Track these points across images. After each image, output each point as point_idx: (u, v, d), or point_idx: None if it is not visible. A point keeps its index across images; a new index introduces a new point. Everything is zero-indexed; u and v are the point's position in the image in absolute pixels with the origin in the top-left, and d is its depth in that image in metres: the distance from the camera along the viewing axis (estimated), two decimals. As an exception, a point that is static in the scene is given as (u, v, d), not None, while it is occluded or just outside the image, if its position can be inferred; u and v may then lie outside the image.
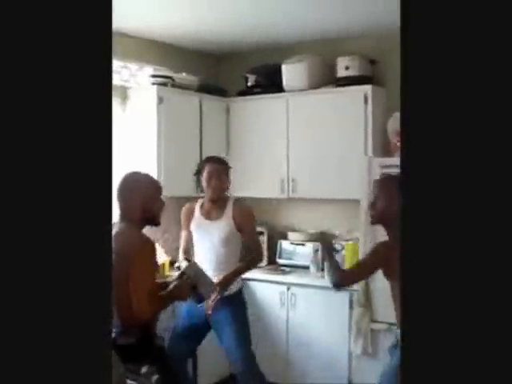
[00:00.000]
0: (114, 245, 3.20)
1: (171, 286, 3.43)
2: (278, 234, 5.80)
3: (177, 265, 3.74)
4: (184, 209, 4.48)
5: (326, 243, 3.68)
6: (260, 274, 5.36)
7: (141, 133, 5.23)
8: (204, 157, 4.66)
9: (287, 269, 5.47)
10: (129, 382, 3.06)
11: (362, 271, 3.46)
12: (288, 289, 5.16)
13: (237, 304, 4.32)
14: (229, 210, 4.28)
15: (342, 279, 3.41)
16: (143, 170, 3.51)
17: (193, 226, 4.36)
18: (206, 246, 4.27)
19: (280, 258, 5.67)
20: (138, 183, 3.36)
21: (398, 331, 3.27)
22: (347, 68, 5.19)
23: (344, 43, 5.41)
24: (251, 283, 5.33)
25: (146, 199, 3.33)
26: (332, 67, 5.33)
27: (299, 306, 5.06)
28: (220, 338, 4.27)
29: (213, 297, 4.00)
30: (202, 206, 4.36)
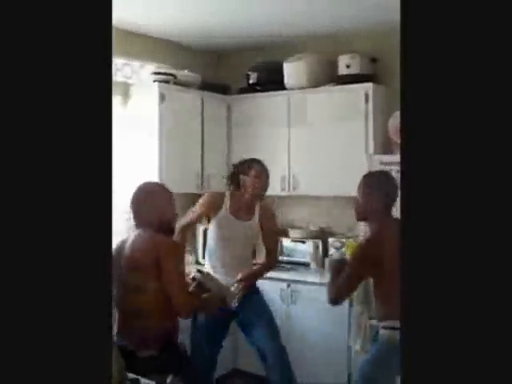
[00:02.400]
0: (134, 251, 3.22)
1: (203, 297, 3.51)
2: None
3: (191, 276, 3.75)
4: (211, 196, 4.38)
5: (336, 261, 3.74)
6: (260, 270, 5.39)
7: (143, 130, 5.25)
8: (204, 154, 4.66)
9: (288, 266, 5.49)
10: None
11: (349, 285, 3.51)
12: (288, 286, 5.18)
13: (261, 299, 4.41)
14: (257, 212, 4.31)
15: (336, 296, 3.48)
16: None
17: (217, 223, 4.29)
18: (230, 245, 4.26)
19: (281, 255, 5.68)
20: (155, 195, 3.38)
21: (379, 324, 3.47)
22: (348, 66, 5.20)
23: (345, 41, 5.43)
24: (252, 280, 5.37)
25: (163, 211, 3.34)
26: (333, 65, 5.35)
27: (299, 302, 5.09)
28: (251, 335, 4.31)
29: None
30: (231, 205, 4.28)
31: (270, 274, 5.27)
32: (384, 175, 3.66)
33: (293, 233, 5.71)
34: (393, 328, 3.32)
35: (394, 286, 3.26)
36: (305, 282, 5.09)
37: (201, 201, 4.34)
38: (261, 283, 5.27)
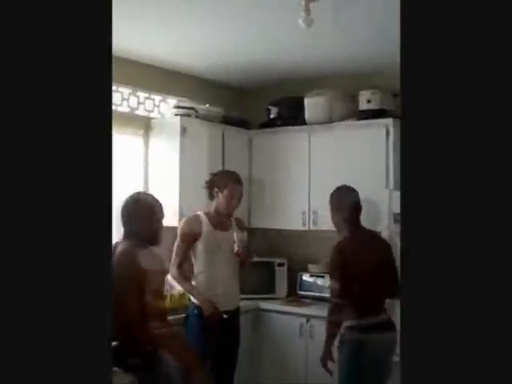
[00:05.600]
0: (122, 261, 3.30)
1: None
2: (298, 266, 5.79)
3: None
4: (187, 224, 4.44)
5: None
6: (279, 305, 5.39)
7: (164, 163, 5.29)
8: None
9: (307, 300, 5.46)
10: None
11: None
12: (307, 321, 5.15)
13: (237, 327, 4.48)
14: (233, 223, 4.48)
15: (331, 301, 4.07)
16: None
17: (204, 240, 4.37)
18: (219, 256, 4.35)
19: (300, 289, 5.67)
20: (145, 204, 3.51)
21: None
22: (369, 101, 5.21)
23: (366, 76, 5.45)
24: (270, 314, 5.36)
25: (153, 220, 3.47)
26: (354, 100, 5.37)
27: (318, 337, 5.01)
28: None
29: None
30: (210, 219, 4.39)
31: (288, 309, 5.28)
32: (351, 189, 4.22)
33: (312, 267, 5.68)
34: (352, 327, 3.89)
35: (356, 288, 3.86)
36: (324, 317, 5.03)
37: (181, 232, 4.42)
38: (279, 317, 5.27)
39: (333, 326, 3.97)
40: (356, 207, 4.18)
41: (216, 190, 4.36)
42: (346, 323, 3.95)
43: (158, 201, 3.59)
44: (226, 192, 4.32)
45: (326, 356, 4.02)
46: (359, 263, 3.90)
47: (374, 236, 4.24)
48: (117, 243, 3.49)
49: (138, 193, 3.72)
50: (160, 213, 3.58)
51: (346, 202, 4.15)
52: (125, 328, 3.18)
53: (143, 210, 3.48)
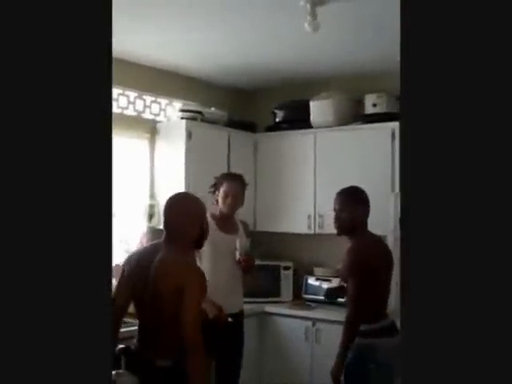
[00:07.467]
0: (162, 268, 3.09)
1: None
2: (304, 269, 5.80)
3: None
4: None
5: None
6: (285, 308, 5.39)
7: (169, 167, 5.30)
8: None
9: (313, 304, 5.46)
10: None
11: (353, 296, 3.79)
12: (313, 324, 5.14)
13: (241, 330, 4.46)
14: (240, 227, 4.47)
15: (350, 314, 3.83)
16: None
17: (210, 241, 4.25)
18: (224, 258, 4.32)
19: (306, 293, 5.66)
20: (194, 204, 3.28)
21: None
22: (375, 105, 5.22)
23: (372, 80, 5.45)
24: (276, 318, 5.35)
25: (202, 221, 3.28)
26: (360, 104, 5.38)
27: (324, 341, 5.02)
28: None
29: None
30: (216, 221, 4.34)
31: (294, 312, 5.28)
32: (361, 191, 3.97)
33: (318, 271, 5.68)
34: (364, 332, 3.74)
35: (366, 293, 3.73)
36: (330, 321, 5.03)
37: None
38: (285, 321, 5.27)
39: (352, 335, 3.79)
40: (367, 209, 4.00)
41: (216, 191, 4.37)
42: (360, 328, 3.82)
43: (202, 201, 3.34)
44: (221, 191, 4.34)
45: (340, 369, 3.75)
46: (373, 267, 3.81)
47: (379, 239, 4.19)
48: (160, 245, 3.24)
49: (186, 193, 3.55)
50: (206, 215, 3.40)
51: (365, 205, 3.98)
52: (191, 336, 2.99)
53: (194, 211, 3.24)
